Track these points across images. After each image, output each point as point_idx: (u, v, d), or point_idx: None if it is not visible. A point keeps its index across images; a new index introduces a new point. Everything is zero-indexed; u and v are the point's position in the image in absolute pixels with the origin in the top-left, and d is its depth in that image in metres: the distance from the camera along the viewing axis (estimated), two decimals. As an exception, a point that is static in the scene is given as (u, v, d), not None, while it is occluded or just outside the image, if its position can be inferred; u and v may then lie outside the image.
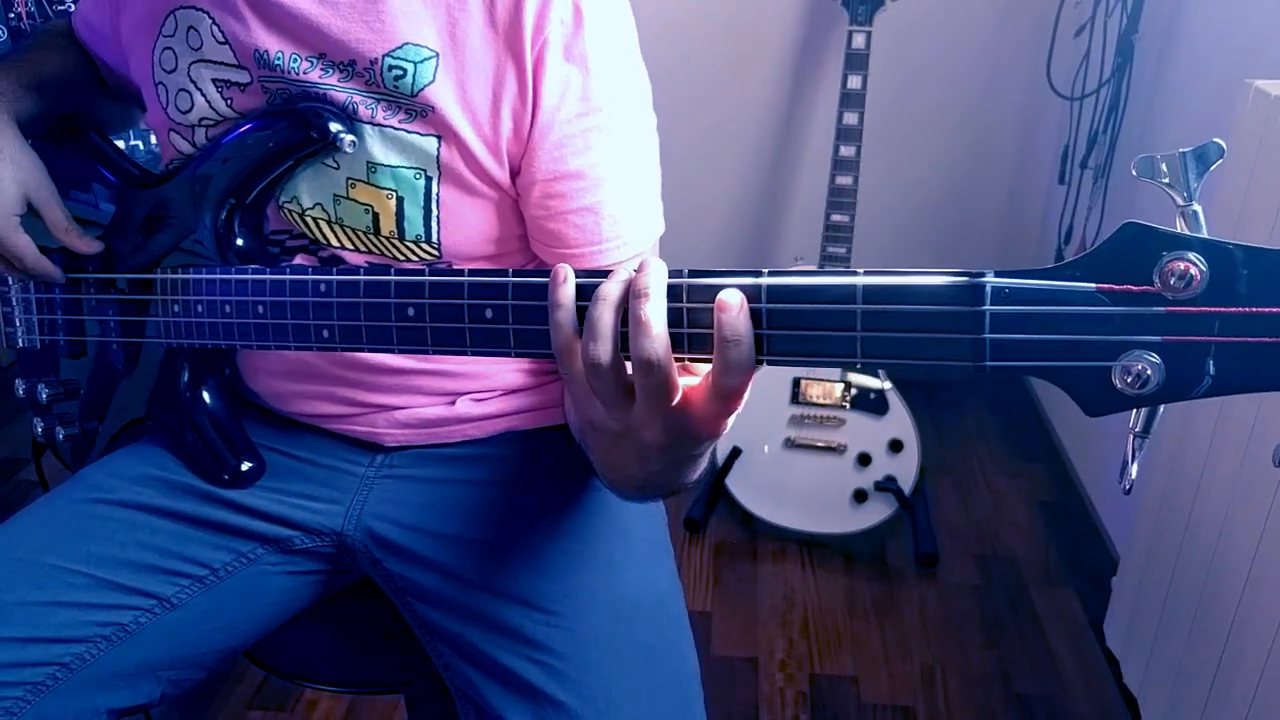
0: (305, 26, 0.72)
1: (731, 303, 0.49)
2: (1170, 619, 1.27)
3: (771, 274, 0.50)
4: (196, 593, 0.80)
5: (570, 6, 0.71)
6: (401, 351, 0.63)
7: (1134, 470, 0.47)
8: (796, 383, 1.79)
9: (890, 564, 1.77)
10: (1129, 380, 0.44)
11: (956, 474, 2.01)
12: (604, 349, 0.52)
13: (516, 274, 0.57)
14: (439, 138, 0.73)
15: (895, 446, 1.75)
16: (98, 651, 0.75)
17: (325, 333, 0.66)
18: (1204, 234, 0.44)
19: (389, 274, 0.62)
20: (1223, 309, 0.42)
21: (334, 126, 0.71)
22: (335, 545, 0.85)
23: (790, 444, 1.79)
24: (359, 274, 0.63)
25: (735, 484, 1.83)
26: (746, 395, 0.52)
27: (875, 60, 1.76)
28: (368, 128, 0.73)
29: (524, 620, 0.75)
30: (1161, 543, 1.30)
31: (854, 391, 1.77)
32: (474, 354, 0.59)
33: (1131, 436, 0.46)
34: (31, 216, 0.81)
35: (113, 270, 0.83)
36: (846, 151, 1.78)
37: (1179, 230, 0.44)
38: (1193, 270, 0.42)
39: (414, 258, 0.76)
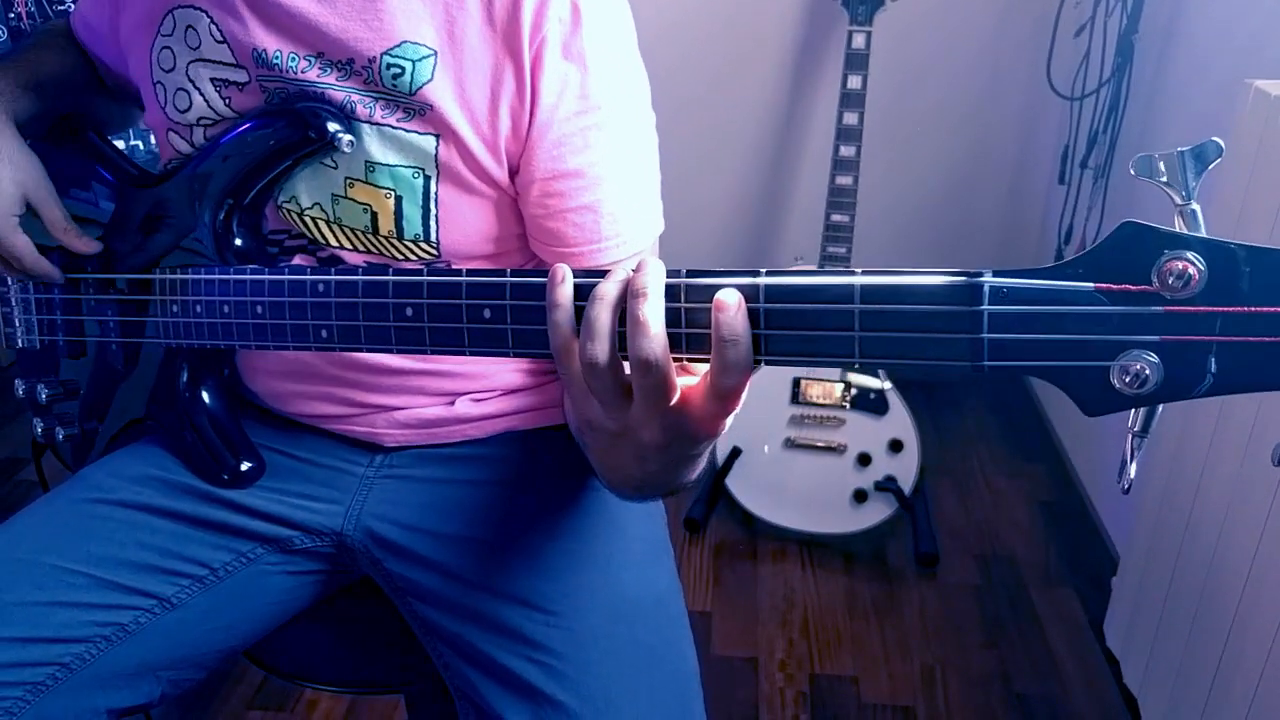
0: (303, 25, 0.72)
1: (729, 302, 0.49)
2: (1170, 619, 1.27)
3: (769, 274, 0.50)
4: (196, 593, 0.80)
5: (568, 5, 0.71)
6: (400, 351, 0.63)
7: (1133, 470, 0.47)
8: (796, 383, 1.78)
9: (890, 564, 1.77)
10: (1127, 380, 0.44)
11: (956, 474, 2.01)
12: (601, 349, 0.52)
13: (514, 274, 0.57)
14: (437, 136, 0.73)
15: (895, 446, 1.75)
16: (97, 651, 0.75)
17: (324, 333, 0.66)
18: (1202, 233, 0.43)
19: (387, 274, 0.62)
20: (1221, 308, 0.42)
21: (332, 126, 0.71)
22: (335, 545, 0.85)
23: (790, 444, 1.79)
24: (357, 274, 0.63)
25: (735, 484, 1.83)
26: (745, 395, 0.52)
27: (875, 60, 1.76)
28: (365, 127, 0.73)
29: (523, 620, 0.75)
30: (1161, 543, 1.30)
31: (854, 391, 1.77)
32: (472, 354, 0.59)
33: (1130, 436, 0.46)
34: (30, 216, 0.81)
35: (112, 270, 0.83)
36: (846, 151, 1.78)
37: (1177, 229, 0.44)
38: (1191, 270, 0.42)
39: (413, 257, 0.76)
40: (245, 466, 0.83)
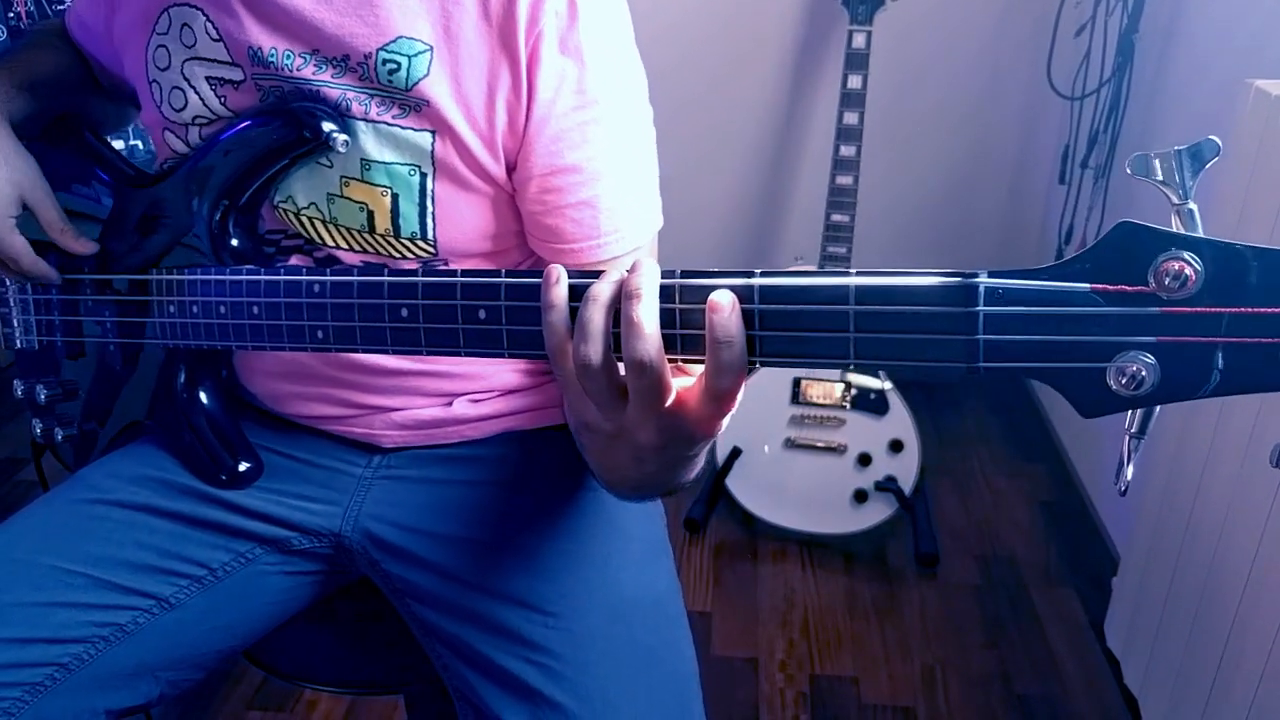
0: (299, 22, 0.72)
1: (723, 304, 0.49)
2: (1171, 619, 1.26)
3: (764, 274, 0.50)
4: (195, 593, 0.80)
5: None
6: (395, 352, 0.63)
7: (1130, 471, 0.47)
8: (797, 383, 1.78)
9: (890, 564, 1.77)
10: (1124, 381, 0.44)
11: (957, 474, 2.01)
12: (595, 350, 0.51)
13: (509, 274, 0.56)
14: (433, 133, 0.73)
15: (895, 446, 1.75)
16: (96, 652, 0.75)
17: (320, 333, 0.66)
18: (1200, 233, 0.43)
19: (383, 275, 0.62)
20: (1218, 309, 0.42)
21: (327, 126, 0.71)
22: (333, 546, 0.85)
23: (790, 444, 1.79)
24: (353, 274, 0.63)
25: (735, 484, 1.82)
26: (740, 396, 0.51)
27: (875, 60, 1.75)
28: (361, 124, 0.73)
29: (522, 621, 0.75)
30: (1162, 543, 1.30)
31: (854, 392, 1.76)
32: (468, 354, 0.59)
33: (1127, 438, 0.46)
34: (26, 216, 0.81)
35: (109, 271, 0.83)
36: (847, 151, 1.78)
37: (1175, 229, 0.43)
38: (1188, 270, 0.42)
39: (410, 255, 0.76)
40: (243, 467, 0.83)
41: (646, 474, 0.60)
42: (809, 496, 1.79)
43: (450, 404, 0.85)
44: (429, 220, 0.75)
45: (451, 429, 0.86)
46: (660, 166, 0.79)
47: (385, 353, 0.64)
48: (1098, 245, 0.44)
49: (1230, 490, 1.13)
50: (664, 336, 0.51)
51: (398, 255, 0.76)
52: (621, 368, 0.52)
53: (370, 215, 0.75)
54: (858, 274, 0.48)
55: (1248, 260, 0.41)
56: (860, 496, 1.76)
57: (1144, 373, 0.43)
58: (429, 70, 0.71)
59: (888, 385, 1.76)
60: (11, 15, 1.81)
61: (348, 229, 0.76)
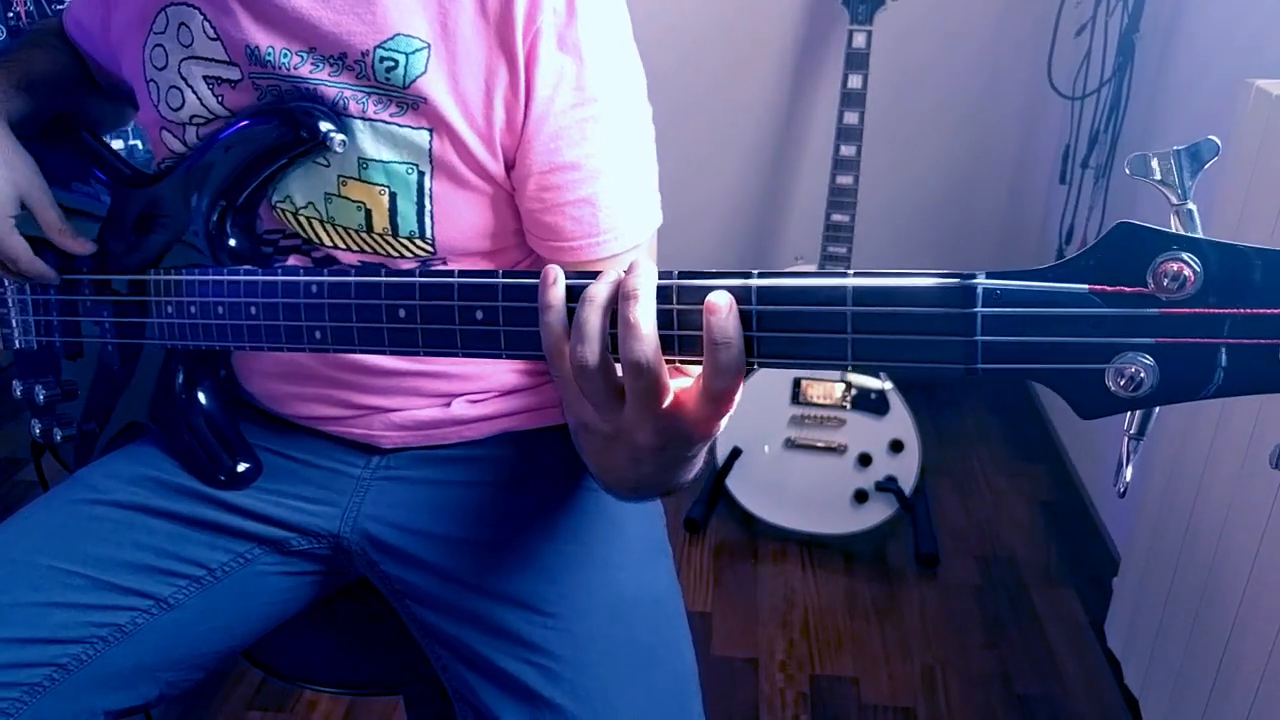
0: (296, 20, 0.72)
1: (720, 305, 0.49)
2: (1171, 620, 1.26)
3: (761, 275, 0.50)
4: (193, 593, 0.80)
5: None
6: (393, 353, 0.63)
7: (1129, 473, 0.46)
8: (797, 383, 1.78)
9: (890, 564, 1.77)
10: (1122, 383, 0.44)
11: (957, 474, 2.01)
12: (591, 351, 0.51)
13: (507, 275, 0.56)
14: (431, 130, 0.72)
15: (896, 447, 1.75)
16: (94, 652, 0.75)
17: (317, 334, 0.66)
18: (1199, 233, 0.43)
19: (379, 275, 0.61)
20: (1217, 310, 0.42)
21: (324, 126, 0.71)
22: (331, 547, 0.85)
23: (790, 444, 1.79)
24: (350, 275, 0.63)
25: (735, 484, 1.82)
26: (739, 397, 0.51)
27: (875, 60, 1.75)
28: (358, 123, 0.73)
29: (521, 623, 0.74)
30: (1162, 543, 1.30)
31: (854, 392, 1.76)
32: (465, 355, 0.59)
33: (1126, 439, 0.46)
34: (24, 215, 0.81)
35: (107, 271, 0.83)
36: (847, 151, 1.77)
37: (1174, 230, 0.43)
38: (1186, 271, 0.42)
39: (408, 254, 0.76)
40: (242, 468, 0.83)
41: (645, 475, 0.60)
42: (809, 496, 1.79)
43: (449, 404, 0.85)
44: (427, 219, 0.75)
45: (450, 429, 0.85)
46: (660, 166, 0.79)
47: (383, 353, 0.64)
48: (1096, 246, 0.44)
49: (1230, 490, 1.12)
50: (661, 337, 0.51)
51: (396, 254, 0.76)
52: (619, 369, 0.52)
53: (368, 214, 0.75)
54: (855, 275, 0.47)
55: (1247, 261, 0.41)
56: (860, 496, 1.76)
57: (1143, 374, 0.43)
58: (426, 67, 0.71)
59: (888, 385, 1.76)
60: (11, 15, 1.81)
61: (345, 228, 0.76)
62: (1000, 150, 2.15)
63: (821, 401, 1.77)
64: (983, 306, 0.45)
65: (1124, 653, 1.43)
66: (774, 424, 1.79)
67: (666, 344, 0.51)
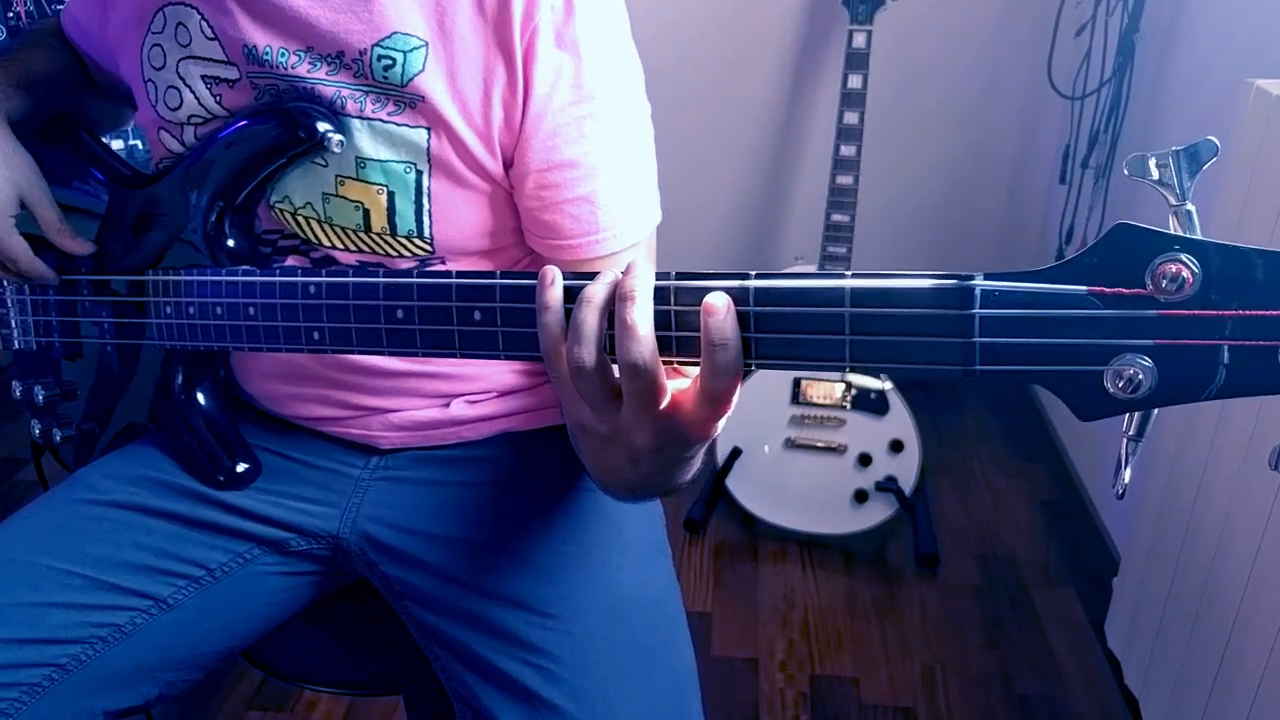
0: (294, 19, 0.72)
1: (718, 306, 0.49)
2: (1171, 619, 1.26)
3: (759, 276, 0.50)
4: (193, 593, 0.80)
5: None
6: (391, 353, 0.63)
7: (1127, 474, 0.46)
8: (797, 383, 1.78)
9: (890, 564, 1.77)
10: (1121, 384, 0.43)
11: (957, 474, 2.01)
12: (588, 352, 0.51)
13: (504, 276, 0.56)
14: (429, 129, 0.72)
15: (896, 447, 1.75)
16: (94, 653, 0.75)
17: (315, 334, 0.66)
18: (1198, 234, 0.43)
19: (377, 276, 0.61)
20: (1215, 312, 0.42)
21: (322, 126, 0.71)
22: (330, 548, 0.85)
23: (790, 444, 1.79)
24: (348, 275, 0.63)
25: (735, 484, 1.82)
26: (736, 398, 0.51)
27: (875, 60, 1.75)
28: (356, 122, 0.73)
29: (520, 624, 0.74)
30: (1162, 543, 1.29)
31: (854, 392, 1.76)
32: (463, 356, 0.59)
33: (1125, 440, 0.46)
34: (23, 215, 0.81)
35: (106, 271, 0.83)
36: (847, 151, 1.77)
37: (1172, 231, 0.43)
38: (1185, 272, 0.42)
39: (407, 254, 0.76)
40: (241, 468, 0.83)
41: (642, 475, 0.59)
42: (809, 496, 1.79)
43: (448, 405, 0.85)
44: (426, 218, 0.75)
45: (449, 430, 0.85)
46: (659, 165, 0.78)
47: (381, 354, 0.64)
48: (1095, 247, 0.44)
49: (1230, 491, 1.12)
50: (659, 338, 0.51)
51: (394, 254, 0.76)
52: (616, 370, 0.52)
53: (366, 214, 0.74)
54: (853, 276, 0.47)
55: (1246, 261, 0.41)
56: (860, 496, 1.76)
57: (1141, 376, 0.43)
58: (424, 66, 0.71)
59: (888, 385, 1.76)
60: (11, 15, 1.81)
61: (343, 228, 0.76)
62: (1000, 150, 2.15)
63: (821, 401, 1.77)
64: (981, 308, 0.45)
65: (1124, 653, 1.43)
66: (774, 424, 1.79)
67: (664, 345, 0.51)
